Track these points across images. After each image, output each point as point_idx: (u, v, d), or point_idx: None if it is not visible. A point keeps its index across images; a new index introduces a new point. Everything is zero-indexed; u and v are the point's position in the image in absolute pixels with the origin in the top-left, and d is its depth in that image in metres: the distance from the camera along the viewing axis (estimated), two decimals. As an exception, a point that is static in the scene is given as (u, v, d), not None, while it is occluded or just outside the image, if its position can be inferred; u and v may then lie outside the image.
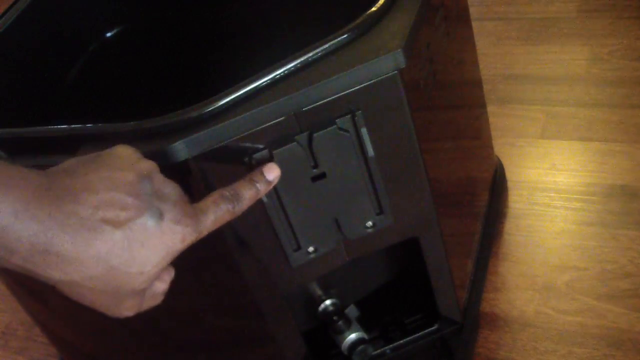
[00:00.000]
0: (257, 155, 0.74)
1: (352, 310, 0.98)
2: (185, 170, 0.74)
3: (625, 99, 1.39)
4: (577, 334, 1.06)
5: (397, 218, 0.85)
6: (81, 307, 0.98)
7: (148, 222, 0.58)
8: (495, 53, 1.59)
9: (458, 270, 1.02)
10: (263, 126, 0.74)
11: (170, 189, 0.61)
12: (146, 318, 0.96)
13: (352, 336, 0.96)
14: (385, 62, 0.74)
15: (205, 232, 0.64)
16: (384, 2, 0.80)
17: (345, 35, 0.77)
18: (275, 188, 0.77)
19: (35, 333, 1.31)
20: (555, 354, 1.04)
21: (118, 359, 1.08)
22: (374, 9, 0.80)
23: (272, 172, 0.71)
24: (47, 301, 1.02)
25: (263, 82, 0.75)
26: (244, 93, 0.74)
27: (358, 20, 0.79)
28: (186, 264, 0.85)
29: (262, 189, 0.69)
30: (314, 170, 0.78)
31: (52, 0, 1.10)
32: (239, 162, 0.75)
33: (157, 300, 0.65)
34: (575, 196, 1.25)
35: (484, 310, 1.12)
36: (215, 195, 0.64)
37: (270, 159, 0.75)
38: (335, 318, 0.97)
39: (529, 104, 1.44)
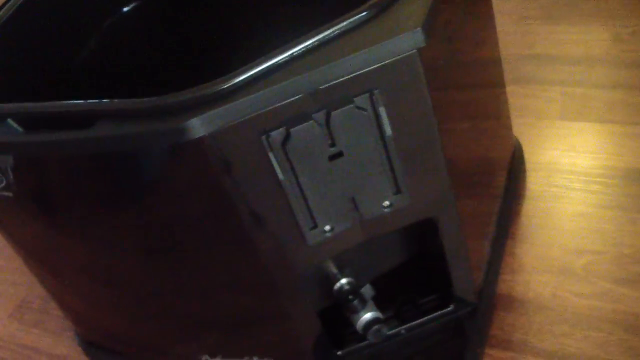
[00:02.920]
0: (274, 133, 0.74)
1: (367, 290, 0.98)
2: (202, 147, 0.73)
3: (646, 81, 1.37)
4: (593, 318, 1.05)
5: (414, 198, 0.85)
6: (97, 282, 0.99)
7: None
8: (516, 32, 1.57)
9: (474, 252, 1.02)
10: (280, 104, 0.73)
11: None
12: (162, 295, 0.96)
13: (367, 315, 0.96)
14: (404, 40, 0.74)
15: None
16: (404, -21, 0.80)
17: (364, 13, 0.77)
18: (292, 166, 0.77)
19: (51, 306, 1.31)
20: (571, 337, 1.04)
21: (133, 334, 1.09)
22: (393, -14, 0.79)
23: None
24: (62, 275, 1.03)
25: (280, 60, 0.75)
26: (261, 70, 0.74)
27: (377, -2, 0.78)
28: (203, 242, 0.86)
29: None
30: (331, 148, 0.77)
31: (69, -25, 1.09)
32: (255, 140, 0.75)
33: None
34: (593, 179, 1.23)
35: (500, 291, 1.12)
36: None
37: (287, 136, 0.74)
38: (350, 297, 0.96)
39: (548, 85, 1.43)
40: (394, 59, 0.74)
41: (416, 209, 0.87)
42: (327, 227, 0.83)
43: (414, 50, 0.74)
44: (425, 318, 1.03)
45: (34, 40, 1.05)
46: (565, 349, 1.03)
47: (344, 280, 0.97)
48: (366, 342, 1.01)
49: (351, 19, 0.76)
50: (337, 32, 0.76)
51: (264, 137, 0.74)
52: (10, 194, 0.88)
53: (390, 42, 0.73)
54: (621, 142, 1.28)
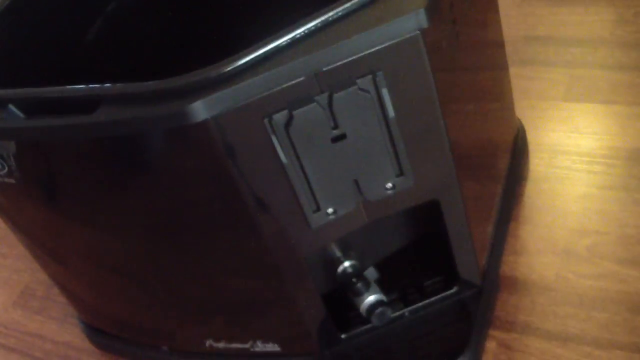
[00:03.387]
0: (276, 116, 0.74)
1: (371, 273, 0.98)
2: (205, 131, 0.73)
3: (650, 62, 1.37)
4: (597, 299, 1.05)
5: (417, 180, 0.85)
6: (100, 267, 0.99)
7: None
8: (519, 14, 1.57)
9: (478, 233, 1.02)
10: (283, 86, 0.73)
11: None
12: (165, 279, 0.96)
13: (371, 298, 0.96)
14: (407, 21, 0.73)
15: None
16: (407, -40, 0.79)
17: (366, -6, 0.76)
18: (295, 149, 0.76)
19: (54, 293, 1.31)
20: (575, 318, 1.04)
21: (136, 319, 1.09)
22: (396, -33, 0.79)
23: None
24: (66, 261, 1.03)
25: (283, 42, 0.74)
26: (263, 53, 0.74)
27: (380, -21, 0.78)
28: (207, 226, 0.86)
29: None
30: (334, 131, 0.77)
31: (70, -41, 1.09)
32: (258, 123, 0.74)
33: None
34: (597, 160, 1.23)
35: (504, 273, 1.12)
36: None
37: (290, 119, 0.74)
38: (354, 280, 0.96)
39: (552, 66, 1.42)
40: (396, 40, 0.74)
41: (419, 191, 0.87)
42: (330, 210, 0.83)
43: (417, 32, 0.74)
44: (429, 300, 1.04)
45: (37, 25, 1.04)
46: (569, 329, 1.03)
47: (347, 263, 0.97)
48: (370, 324, 1.01)
49: (354, 1, 0.76)
50: (339, 13, 0.76)
51: (266, 120, 0.74)
52: (13, 181, 0.88)
53: (393, 23, 0.73)
54: (625, 123, 1.28)
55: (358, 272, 0.97)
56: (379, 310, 0.96)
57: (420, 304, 1.04)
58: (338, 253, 0.97)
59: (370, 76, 0.75)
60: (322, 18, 0.75)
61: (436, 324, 1.04)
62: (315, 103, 0.74)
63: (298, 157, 0.77)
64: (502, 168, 1.18)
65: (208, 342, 1.04)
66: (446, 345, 1.02)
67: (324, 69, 0.73)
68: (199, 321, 1.03)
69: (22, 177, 0.87)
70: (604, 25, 1.47)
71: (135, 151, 0.78)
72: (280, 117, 0.74)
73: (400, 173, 0.83)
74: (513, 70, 1.25)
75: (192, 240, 0.88)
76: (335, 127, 0.77)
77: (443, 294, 1.03)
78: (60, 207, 0.91)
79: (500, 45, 1.16)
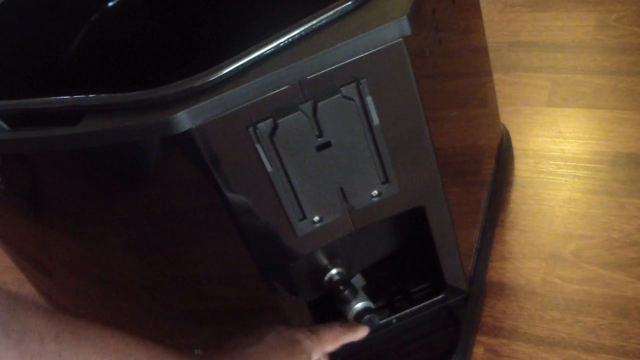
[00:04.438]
0: (261, 125, 0.74)
1: (358, 280, 0.98)
2: (189, 140, 0.73)
3: (632, 66, 1.37)
4: (584, 303, 1.06)
5: (402, 187, 0.85)
6: (87, 278, 0.99)
7: None
8: (501, 20, 1.58)
9: (464, 239, 1.02)
10: (267, 95, 0.73)
11: None
12: (151, 289, 0.96)
13: (358, 306, 0.96)
14: (390, 29, 0.73)
15: None
16: (389, -32, 0.79)
17: (349, 3, 0.76)
18: (280, 158, 0.76)
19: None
20: (562, 323, 1.04)
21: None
22: (378, -25, 0.79)
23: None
24: (52, 273, 1.02)
25: (267, 51, 0.74)
26: (247, 62, 0.74)
27: (363, -13, 0.78)
28: (193, 235, 0.85)
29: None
30: (319, 139, 0.77)
31: (53, -30, 1.09)
32: (242, 132, 0.74)
33: None
34: (581, 164, 1.24)
35: (491, 279, 1.12)
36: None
37: (274, 128, 0.74)
38: (341, 288, 0.96)
39: (535, 72, 1.43)
40: (380, 47, 0.74)
41: (405, 198, 0.87)
42: (316, 218, 0.83)
43: (400, 39, 0.74)
44: (417, 307, 1.04)
45: (21, 37, 1.04)
46: (556, 334, 1.03)
47: (334, 271, 0.97)
48: (358, 332, 1.01)
49: (337, 9, 0.76)
50: (323, 22, 0.76)
51: (251, 129, 0.74)
52: (-2, 192, 0.87)
53: (376, 31, 0.73)
54: (608, 127, 1.28)
55: (345, 280, 0.97)
56: (367, 317, 0.96)
57: (407, 310, 1.04)
58: (325, 261, 0.97)
59: (354, 84, 0.75)
60: (306, 27, 0.75)
61: (424, 330, 1.04)
62: (299, 111, 0.74)
63: (283, 166, 0.77)
64: (487, 174, 1.18)
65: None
66: (434, 352, 1.02)
67: (308, 78, 0.73)
68: (186, 331, 1.03)
69: (7, 189, 0.87)
70: (586, 31, 1.48)
71: (120, 161, 0.78)
72: (264, 126, 0.74)
73: (386, 180, 0.83)
74: (496, 76, 1.26)
75: (178, 249, 0.88)
76: (320, 135, 0.77)
77: (430, 301, 1.04)
78: (46, 218, 0.91)
79: (483, 51, 1.16)
